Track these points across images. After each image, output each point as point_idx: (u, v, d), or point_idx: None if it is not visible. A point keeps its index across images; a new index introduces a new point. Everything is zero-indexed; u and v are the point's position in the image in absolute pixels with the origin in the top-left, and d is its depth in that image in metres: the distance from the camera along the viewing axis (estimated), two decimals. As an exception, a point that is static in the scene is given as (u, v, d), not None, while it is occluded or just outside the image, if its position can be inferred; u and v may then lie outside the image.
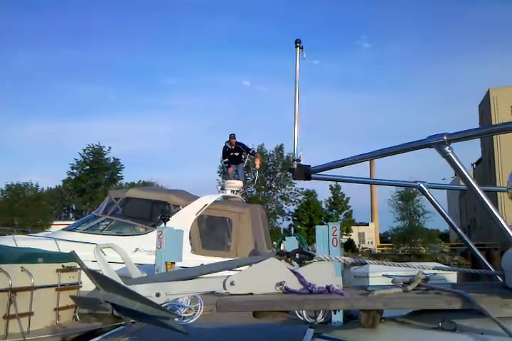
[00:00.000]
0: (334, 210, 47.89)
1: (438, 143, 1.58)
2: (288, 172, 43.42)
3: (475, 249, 2.32)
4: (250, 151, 14.15)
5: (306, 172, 2.06)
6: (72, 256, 2.02)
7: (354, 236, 52.40)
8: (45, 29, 73.55)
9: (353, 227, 50.82)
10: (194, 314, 6.30)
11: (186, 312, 6.32)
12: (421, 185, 2.30)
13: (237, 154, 13.47)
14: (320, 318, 6.31)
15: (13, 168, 72.33)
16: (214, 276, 2.01)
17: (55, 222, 31.14)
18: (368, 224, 56.44)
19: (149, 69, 79.78)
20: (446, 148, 1.58)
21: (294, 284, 1.85)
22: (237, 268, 2.11)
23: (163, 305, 1.84)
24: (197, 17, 78.03)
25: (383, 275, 4.06)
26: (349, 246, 47.33)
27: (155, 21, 76.38)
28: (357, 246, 52.48)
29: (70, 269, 6.83)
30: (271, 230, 20.64)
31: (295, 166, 2.11)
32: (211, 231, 11.59)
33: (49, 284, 6.44)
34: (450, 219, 2.36)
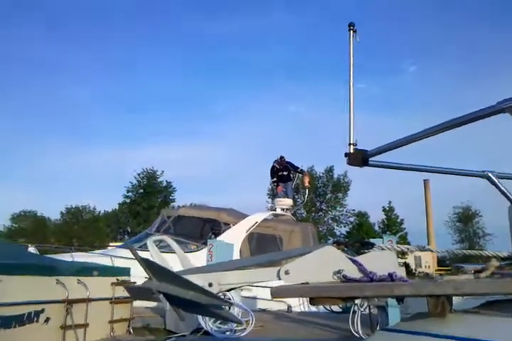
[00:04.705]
0: (388, 232, 46.33)
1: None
2: (336, 192, 42.67)
3: None
4: (298, 170, 14.02)
5: (363, 157, 1.90)
6: (128, 248, 2.02)
7: (410, 259, 50.19)
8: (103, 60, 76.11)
9: (408, 250, 48.81)
10: (245, 328, 6.20)
11: (237, 326, 6.22)
12: (489, 174, 2.09)
13: (285, 173, 13.40)
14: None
15: (73, 191, 75.25)
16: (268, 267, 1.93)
17: (111, 244, 32.02)
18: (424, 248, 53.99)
19: (200, 97, 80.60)
20: None
21: (353, 273, 1.74)
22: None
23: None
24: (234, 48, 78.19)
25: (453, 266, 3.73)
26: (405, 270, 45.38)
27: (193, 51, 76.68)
28: (413, 270, 50.28)
29: (124, 283, 6.91)
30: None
31: (351, 150, 1.95)
32: (261, 249, 11.47)
33: (104, 297, 6.53)
34: None
